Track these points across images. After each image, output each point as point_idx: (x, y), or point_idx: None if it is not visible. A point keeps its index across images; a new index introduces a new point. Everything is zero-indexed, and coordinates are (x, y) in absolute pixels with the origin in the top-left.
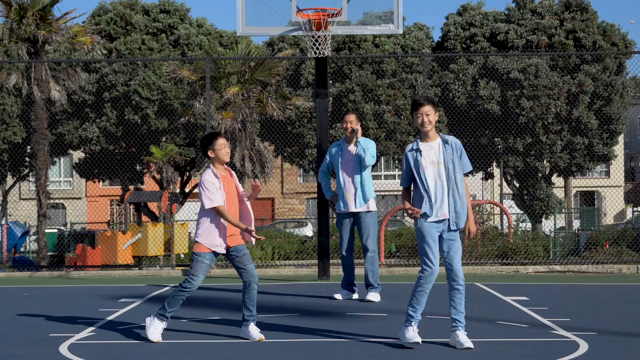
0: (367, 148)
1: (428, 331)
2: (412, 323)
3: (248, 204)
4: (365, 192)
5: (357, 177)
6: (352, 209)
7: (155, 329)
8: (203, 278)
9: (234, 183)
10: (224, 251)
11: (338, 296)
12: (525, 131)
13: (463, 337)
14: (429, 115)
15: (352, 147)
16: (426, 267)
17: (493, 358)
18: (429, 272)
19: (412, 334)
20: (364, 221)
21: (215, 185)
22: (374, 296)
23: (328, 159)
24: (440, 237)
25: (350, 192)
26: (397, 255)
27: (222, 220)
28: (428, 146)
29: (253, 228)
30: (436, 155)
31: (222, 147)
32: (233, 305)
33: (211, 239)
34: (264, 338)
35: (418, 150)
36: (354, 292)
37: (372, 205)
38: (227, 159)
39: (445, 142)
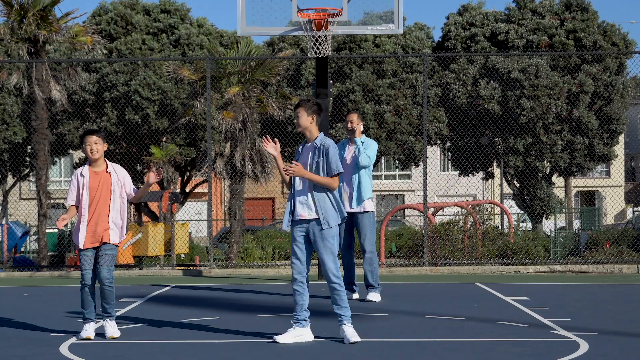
0: (366, 148)
1: (429, 331)
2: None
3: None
4: (361, 192)
5: (355, 177)
6: (348, 209)
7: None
8: (90, 269)
9: (108, 180)
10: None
11: None
12: (525, 131)
13: (349, 331)
14: (301, 117)
15: (351, 148)
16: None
17: (493, 358)
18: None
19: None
20: (361, 222)
21: (74, 184)
22: (374, 296)
23: None
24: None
25: (347, 192)
26: (398, 255)
27: (87, 220)
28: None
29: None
30: (307, 156)
31: (86, 144)
32: (233, 305)
33: (80, 237)
34: (115, 335)
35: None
36: (354, 292)
37: (369, 206)
38: (93, 156)
39: (316, 145)
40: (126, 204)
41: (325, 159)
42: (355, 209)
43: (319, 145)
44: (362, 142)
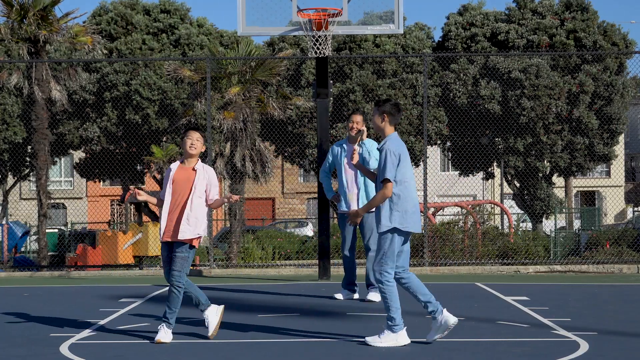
0: (371, 150)
1: (429, 331)
2: None
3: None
4: (369, 192)
5: (361, 178)
6: (355, 209)
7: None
8: (165, 267)
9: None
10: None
11: (339, 296)
12: (525, 131)
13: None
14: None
15: (356, 148)
16: None
17: (493, 358)
18: None
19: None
20: (367, 222)
21: (165, 178)
22: (374, 296)
23: (330, 159)
24: None
25: (353, 193)
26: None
27: (167, 212)
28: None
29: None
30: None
31: (187, 137)
32: (233, 305)
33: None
34: (161, 341)
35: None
36: (354, 292)
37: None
38: (190, 152)
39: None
40: (204, 206)
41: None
42: None
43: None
44: (365, 144)
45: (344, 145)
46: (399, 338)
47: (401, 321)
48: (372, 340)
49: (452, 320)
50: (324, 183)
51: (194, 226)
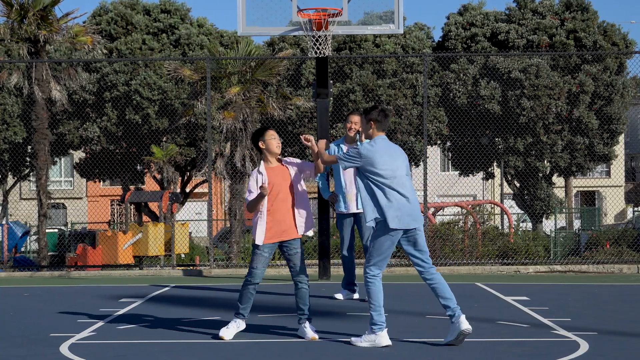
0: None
1: (429, 331)
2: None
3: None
4: None
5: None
6: (354, 209)
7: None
8: (263, 270)
9: (287, 172)
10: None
11: (339, 296)
12: (525, 131)
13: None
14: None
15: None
16: None
17: (493, 358)
18: None
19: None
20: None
21: (253, 183)
22: None
23: None
24: None
25: (352, 193)
26: (398, 255)
27: (266, 214)
28: None
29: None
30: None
31: (271, 137)
32: (233, 305)
33: (258, 232)
34: (316, 337)
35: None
36: (354, 292)
37: None
38: (278, 151)
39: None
40: (307, 196)
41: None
42: (361, 209)
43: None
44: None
45: (342, 145)
46: (378, 339)
47: (382, 322)
48: (355, 340)
49: (464, 326)
50: (320, 183)
51: (306, 218)
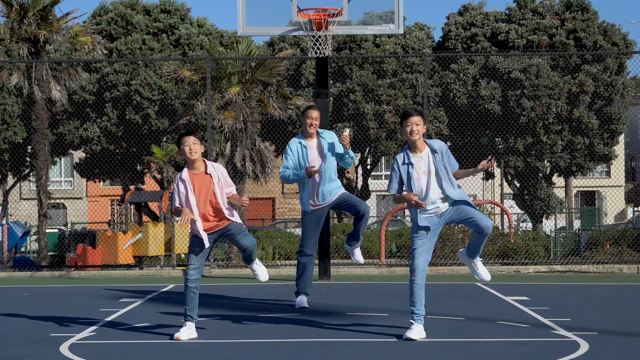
0: (334, 139)
1: (429, 331)
2: (416, 319)
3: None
4: (329, 185)
5: (325, 173)
6: (329, 200)
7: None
8: (197, 264)
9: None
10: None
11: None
12: (526, 131)
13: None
14: (418, 125)
15: (346, 134)
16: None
17: (493, 358)
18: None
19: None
20: (348, 195)
21: (176, 189)
22: (358, 254)
23: (292, 158)
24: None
25: (317, 188)
26: (398, 255)
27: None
28: (418, 157)
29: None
30: (427, 165)
31: (185, 144)
32: (233, 306)
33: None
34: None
35: (410, 163)
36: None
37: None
38: (192, 157)
39: (433, 151)
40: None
41: (449, 159)
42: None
43: (438, 149)
44: (323, 135)
45: (302, 140)
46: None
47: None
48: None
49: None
50: (291, 177)
51: (232, 211)
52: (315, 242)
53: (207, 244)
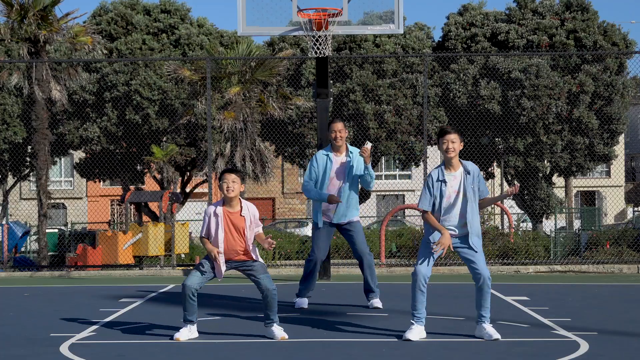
0: (358, 158)
1: (429, 331)
2: (416, 321)
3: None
4: (351, 204)
5: (347, 191)
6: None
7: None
8: (199, 281)
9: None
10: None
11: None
12: (525, 131)
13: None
14: (454, 143)
15: (368, 147)
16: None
17: (493, 358)
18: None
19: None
20: (357, 231)
21: (206, 220)
22: (378, 302)
23: (316, 169)
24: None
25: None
26: (398, 255)
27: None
28: (452, 176)
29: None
30: (458, 184)
31: (223, 181)
32: (233, 305)
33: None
34: (286, 337)
35: (444, 181)
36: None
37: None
38: (228, 194)
39: (467, 172)
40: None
41: (480, 184)
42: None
43: (471, 171)
44: (352, 152)
45: (330, 154)
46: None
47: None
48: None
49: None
50: (312, 194)
51: (253, 250)
52: (326, 250)
53: (223, 268)
